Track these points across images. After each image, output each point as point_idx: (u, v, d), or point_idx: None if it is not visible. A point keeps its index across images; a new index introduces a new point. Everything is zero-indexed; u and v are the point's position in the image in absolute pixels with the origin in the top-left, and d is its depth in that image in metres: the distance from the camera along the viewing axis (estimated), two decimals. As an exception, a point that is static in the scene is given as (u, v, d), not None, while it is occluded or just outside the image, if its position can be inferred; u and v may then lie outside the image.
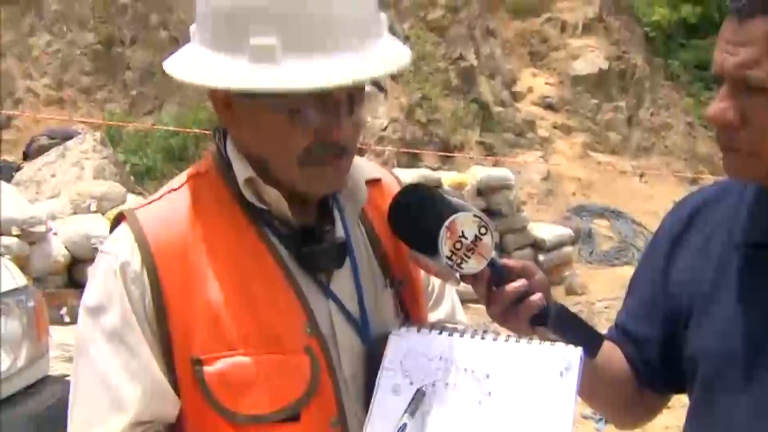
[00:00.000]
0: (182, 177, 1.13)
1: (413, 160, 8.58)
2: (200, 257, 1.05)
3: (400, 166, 8.25)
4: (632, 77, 11.49)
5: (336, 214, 1.15)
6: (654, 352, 1.29)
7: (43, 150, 6.68)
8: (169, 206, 1.09)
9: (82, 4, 8.36)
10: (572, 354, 1.08)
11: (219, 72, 1.01)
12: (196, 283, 1.04)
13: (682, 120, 11.57)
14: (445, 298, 1.30)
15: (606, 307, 6.36)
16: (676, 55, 12.71)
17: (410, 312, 1.19)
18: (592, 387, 1.24)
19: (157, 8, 8.59)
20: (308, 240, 1.09)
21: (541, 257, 7.38)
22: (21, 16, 8.31)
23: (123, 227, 1.08)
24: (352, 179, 1.15)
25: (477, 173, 7.28)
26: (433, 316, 1.27)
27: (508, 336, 1.11)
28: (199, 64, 1.03)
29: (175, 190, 1.11)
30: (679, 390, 1.31)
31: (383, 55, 1.05)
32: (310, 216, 1.12)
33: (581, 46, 11.17)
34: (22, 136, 7.58)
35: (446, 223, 1.08)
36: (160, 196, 1.11)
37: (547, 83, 10.87)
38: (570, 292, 7.17)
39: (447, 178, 7.15)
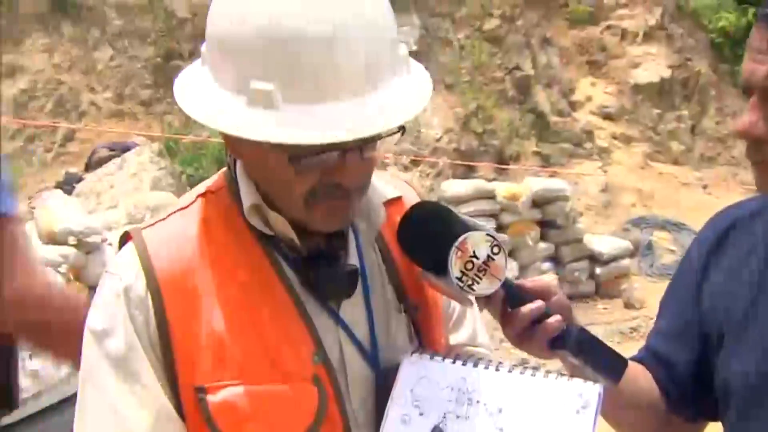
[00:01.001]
0: (192, 195, 1.10)
1: (468, 171, 8.50)
2: (206, 281, 1.02)
3: (454, 177, 8.20)
4: (696, 85, 11.17)
5: (351, 236, 1.11)
6: (686, 377, 1.23)
7: (103, 162, 6.87)
8: (176, 227, 1.07)
9: (143, 18, 8.57)
10: (590, 391, 1.02)
11: (217, 110, 0.97)
12: (202, 309, 1.02)
13: (750, 129, 11.16)
14: (467, 320, 1.25)
15: (666, 322, 6.16)
16: (743, 61, 12.27)
17: (425, 338, 1.14)
18: (619, 412, 1.19)
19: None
20: (318, 265, 1.06)
21: (598, 270, 7.24)
22: (86, 33, 8.56)
23: (129, 248, 1.06)
24: (368, 201, 1.11)
25: (532, 184, 7.17)
26: (453, 339, 1.23)
27: (525, 368, 1.06)
28: (201, 96, 0.99)
29: (183, 209, 1.09)
30: (713, 417, 1.24)
31: (396, 100, 0.97)
32: (322, 240, 1.09)
33: (642, 55, 10.92)
34: (85, 148, 7.79)
35: (457, 243, 1.04)
36: (168, 215, 1.09)
37: (606, 92, 10.65)
38: (628, 305, 6.99)
39: (501, 189, 7.06)
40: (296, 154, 0.96)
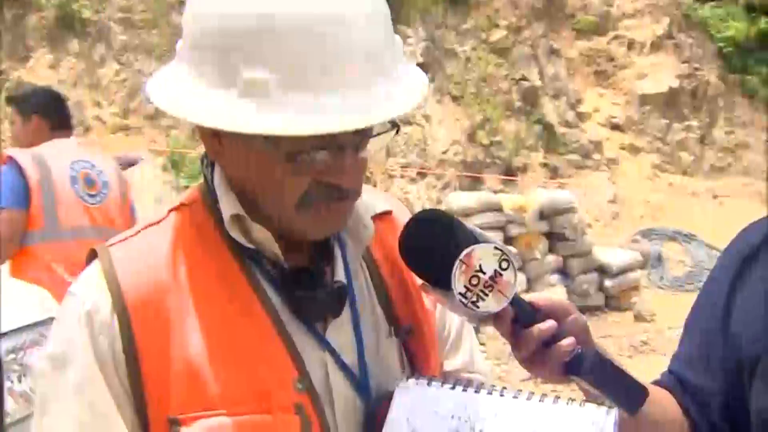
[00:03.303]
0: (164, 209, 1.02)
1: (475, 183, 8.44)
2: (179, 303, 0.93)
3: (461, 189, 8.14)
4: (705, 95, 11.10)
5: (337, 252, 1.03)
6: (715, 406, 1.14)
7: (107, 176, 6.82)
8: (146, 244, 0.97)
9: (148, 33, 8.57)
10: (605, 418, 0.94)
11: (203, 105, 0.89)
12: (174, 333, 0.92)
13: (761, 138, 11.09)
14: (463, 345, 1.17)
15: (677, 335, 6.07)
16: (753, 70, 12.21)
17: (418, 364, 1.05)
18: None
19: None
20: (302, 283, 0.97)
21: (607, 282, 7.15)
22: (91, 48, 8.57)
23: (94, 266, 0.96)
24: (355, 214, 1.03)
25: (539, 196, 7.10)
26: (448, 365, 1.15)
27: (531, 394, 0.97)
28: (182, 92, 0.91)
29: (155, 224, 1.00)
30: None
31: (397, 90, 0.91)
32: (306, 256, 1.01)
33: (649, 65, 10.86)
34: (90, 162, 7.77)
35: (461, 255, 0.95)
36: (137, 231, 1.00)
37: (613, 103, 10.59)
38: (638, 318, 6.90)
39: (508, 201, 6.99)
40: (291, 151, 0.89)
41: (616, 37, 11.09)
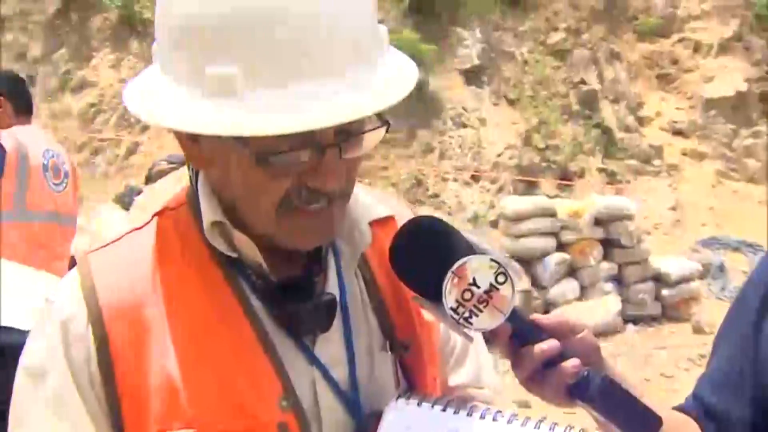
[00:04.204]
0: (149, 213, 0.97)
1: (530, 188, 8.29)
2: (158, 314, 0.89)
3: (515, 193, 8.01)
4: (775, 99, 10.68)
5: (331, 262, 0.97)
6: None
7: (162, 174, 6.91)
8: (127, 250, 0.93)
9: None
10: None
11: (165, 105, 0.84)
12: (152, 346, 0.88)
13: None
14: (469, 358, 1.11)
15: (737, 349, 5.83)
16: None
17: (415, 381, 0.99)
18: None
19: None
20: (289, 295, 0.92)
21: (664, 292, 6.94)
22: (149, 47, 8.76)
23: (73, 275, 0.93)
24: (351, 220, 0.97)
25: (595, 201, 6.92)
26: (453, 380, 1.09)
27: (527, 419, 0.91)
28: (151, 93, 0.87)
29: (138, 229, 0.95)
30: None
31: (380, 80, 0.84)
32: (295, 265, 0.95)
33: (716, 68, 10.49)
34: (147, 161, 7.91)
35: (454, 267, 0.89)
36: (120, 237, 0.96)
37: (677, 107, 10.27)
38: (697, 330, 6.66)
39: (562, 206, 6.84)
40: (264, 152, 0.82)
41: (681, 40, 10.76)
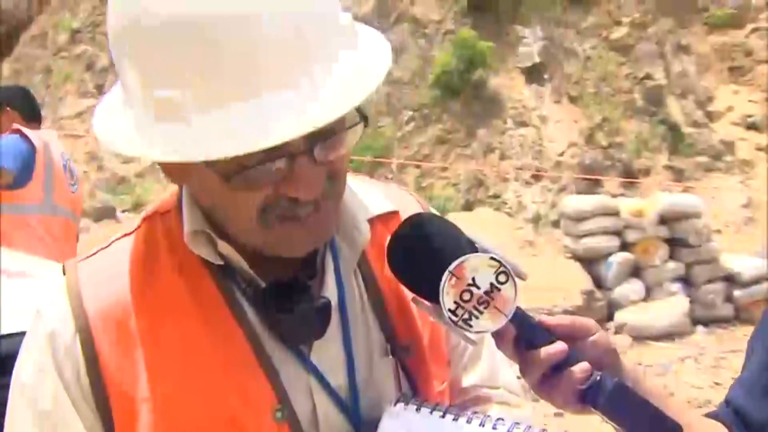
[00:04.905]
0: (139, 217, 0.95)
1: (593, 187, 8.10)
2: (147, 323, 0.86)
3: (578, 192, 7.84)
4: None
5: (329, 263, 0.93)
6: None
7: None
8: (115, 257, 0.91)
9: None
10: None
11: (120, 129, 0.80)
12: (141, 356, 0.86)
13: None
14: (483, 357, 1.07)
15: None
16: None
17: (417, 385, 0.95)
18: None
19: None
20: (282, 300, 0.87)
21: (736, 292, 6.67)
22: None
23: (61, 284, 0.90)
24: (349, 217, 0.94)
25: (660, 200, 6.71)
26: (467, 380, 1.05)
27: (529, 427, 0.87)
28: (110, 113, 0.83)
29: (126, 235, 0.93)
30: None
31: (340, 81, 0.77)
32: (287, 269, 0.90)
33: (792, 59, 10.07)
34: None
35: (451, 267, 0.84)
36: (110, 243, 0.93)
37: (750, 101, 9.88)
38: (771, 333, 6.38)
39: (625, 205, 6.65)
40: (229, 170, 0.78)
41: (755, 30, 10.35)
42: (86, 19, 10.00)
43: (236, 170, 0.78)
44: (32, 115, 3.78)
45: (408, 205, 1.02)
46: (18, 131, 3.60)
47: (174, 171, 0.86)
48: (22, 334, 0.93)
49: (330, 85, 0.77)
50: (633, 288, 6.47)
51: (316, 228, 0.85)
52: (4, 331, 1.97)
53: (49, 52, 9.94)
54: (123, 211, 8.08)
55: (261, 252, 0.87)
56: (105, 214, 7.83)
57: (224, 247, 0.87)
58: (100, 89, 9.24)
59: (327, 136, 0.80)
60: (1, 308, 2.11)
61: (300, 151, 0.79)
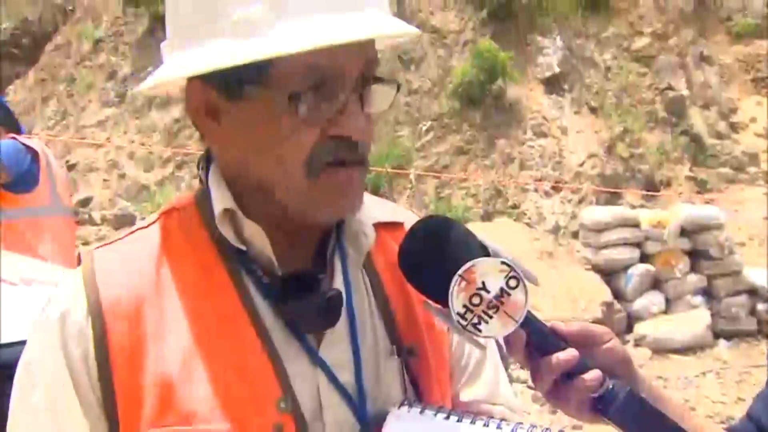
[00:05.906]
0: (156, 213, 0.98)
1: (613, 198, 8.03)
2: (158, 313, 0.89)
3: (598, 203, 7.78)
4: None
5: (337, 262, 0.95)
6: None
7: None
8: (132, 248, 0.94)
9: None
10: None
11: (189, 61, 0.85)
12: (150, 345, 0.88)
13: None
14: (484, 374, 1.05)
15: (841, 368, 5.46)
16: None
17: (420, 388, 0.95)
18: None
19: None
20: (295, 290, 0.89)
21: (760, 306, 6.58)
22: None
23: (77, 270, 0.93)
24: (357, 221, 0.96)
25: (680, 211, 6.64)
26: (466, 395, 1.04)
27: (533, 426, 0.86)
28: (167, 67, 0.88)
29: (143, 228, 0.96)
30: None
31: (388, 17, 0.88)
32: (301, 261, 0.93)
33: (817, 70, 9.95)
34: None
35: (461, 270, 0.84)
36: (126, 235, 0.96)
37: (774, 112, 9.78)
38: (795, 348, 6.28)
39: (646, 216, 6.60)
40: (294, 91, 0.83)
41: (779, 41, 10.25)
42: (109, 29, 10.11)
43: (297, 92, 0.83)
44: (13, 127, 3.91)
45: (412, 220, 1.03)
46: (14, 138, 3.76)
47: (220, 133, 0.90)
48: (23, 343, 0.94)
49: (385, 17, 0.87)
50: (653, 300, 6.40)
51: (350, 187, 0.89)
52: (5, 340, 1.98)
53: (72, 61, 10.06)
54: (143, 219, 8.15)
55: (295, 222, 0.90)
56: (125, 221, 7.89)
57: (251, 227, 0.90)
58: (122, 98, 9.31)
59: (377, 80, 0.88)
60: (1, 317, 2.12)
61: (353, 88, 0.85)
